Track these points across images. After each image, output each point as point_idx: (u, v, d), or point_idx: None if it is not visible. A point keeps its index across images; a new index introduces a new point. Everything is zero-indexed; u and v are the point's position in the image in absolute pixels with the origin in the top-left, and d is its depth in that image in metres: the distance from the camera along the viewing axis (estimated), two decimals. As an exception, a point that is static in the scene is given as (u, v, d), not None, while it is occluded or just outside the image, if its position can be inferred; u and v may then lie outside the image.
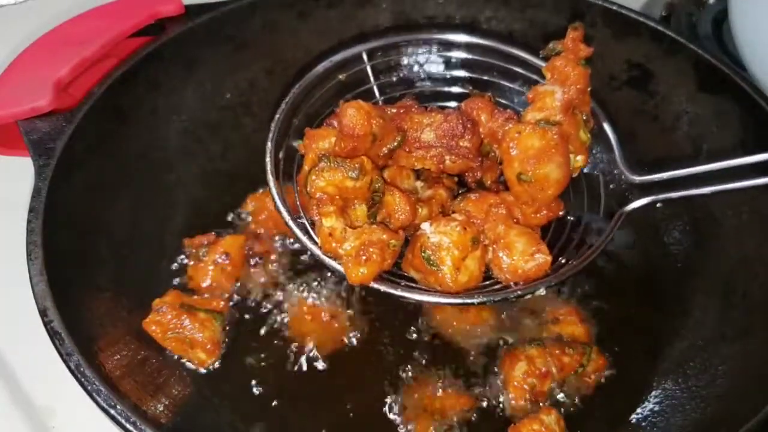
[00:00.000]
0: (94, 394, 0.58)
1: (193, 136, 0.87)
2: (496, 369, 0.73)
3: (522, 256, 0.64)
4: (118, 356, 0.67)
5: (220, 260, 0.78)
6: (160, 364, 0.71)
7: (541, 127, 0.65)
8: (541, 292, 0.65)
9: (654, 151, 0.86)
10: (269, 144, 0.71)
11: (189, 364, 0.72)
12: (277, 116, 0.73)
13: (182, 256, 0.80)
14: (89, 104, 0.75)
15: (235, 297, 0.78)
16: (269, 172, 0.69)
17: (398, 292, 0.64)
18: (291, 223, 0.66)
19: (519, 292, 0.64)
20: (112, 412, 0.58)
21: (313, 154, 0.67)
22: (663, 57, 0.83)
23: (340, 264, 0.63)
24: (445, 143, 0.69)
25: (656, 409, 0.71)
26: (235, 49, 0.87)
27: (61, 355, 0.60)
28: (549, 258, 0.65)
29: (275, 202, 0.68)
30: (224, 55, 0.87)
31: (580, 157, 0.68)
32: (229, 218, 0.84)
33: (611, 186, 0.73)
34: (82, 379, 0.59)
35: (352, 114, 0.65)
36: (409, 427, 0.69)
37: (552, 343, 0.72)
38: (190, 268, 0.79)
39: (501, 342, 0.75)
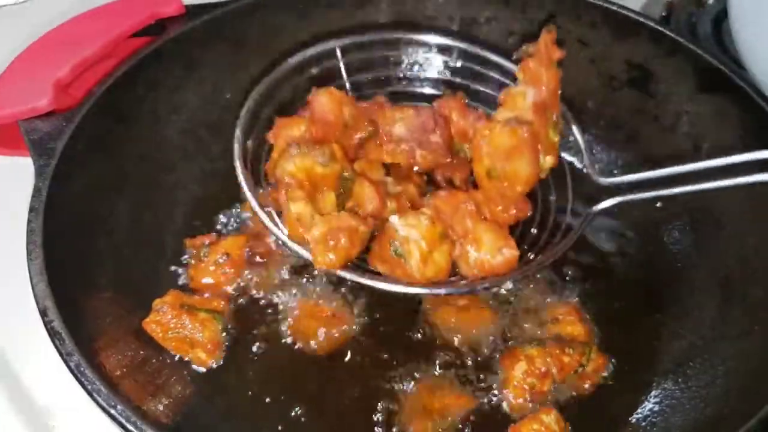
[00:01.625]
0: (94, 394, 0.58)
1: (194, 136, 0.87)
2: (495, 369, 0.73)
3: (489, 251, 0.65)
4: (119, 356, 0.67)
5: (221, 260, 0.78)
6: (161, 364, 0.71)
7: (511, 125, 0.65)
8: (508, 285, 0.66)
9: (654, 151, 0.87)
10: (238, 131, 0.70)
11: (189, 364, 0.72)
12: (246, 104, 0.72)
13: (183, 256, 0.80)
14: (89, 104, 0.75)
15: (236, 297, 0.78)
16: (237, 158, 0.68)
17: (365, 280, 0.63)
18: (258, 209, 0.65)
19: (486, 284, 0.65)
20: (113, 412, 0.58)
21: (283, 141, 0.66)
22: (663, 57, 0.83)
23: (307, 250, 0.63)
24: (416, 137, 0.69)
25: (656, 408, 0.71)
26: (235, 49, 0.87)
27: (61, 355, 0.60)
28: (516, 253, 0.65)
29: (242, 188, 0.67)
30: (224, 55, 0.87)
31: (549, 158, 0.69)
32: (230, 218, 0.84)
33: (579, 188, 0.74)
34: (83, 379, 0.59)
35: (325, 100, 0.65)
36: (408, 427, 0.69)
37: (552, 342, 0.72)
38: (190, 268, 0.79)
39: (500, 342, 0.75)
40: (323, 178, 0.63)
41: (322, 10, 0.88)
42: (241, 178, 0.67)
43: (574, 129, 0.74)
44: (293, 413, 0.70)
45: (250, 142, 0.72)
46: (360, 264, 0.67)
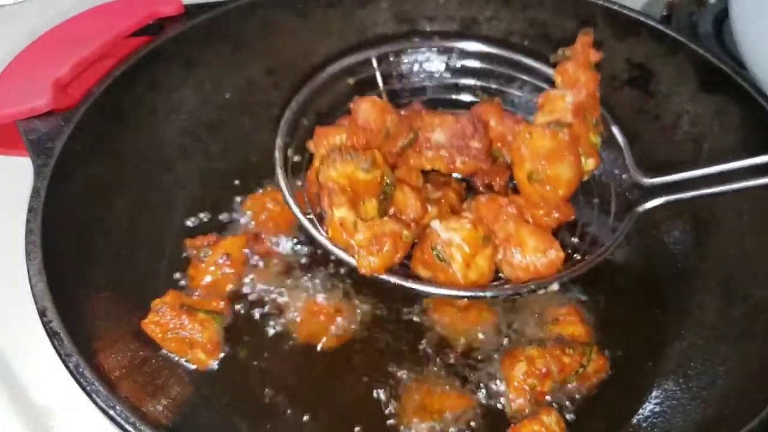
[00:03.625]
0: (93, 394, 0.58)
1: (193, 136, 0.86)
2: (496, 369, 0.72)
3: (534, 253, 0.64)
4: (118, 357, 0.67)
5: (220, 261, 0.78)
6: (160, 365, 0.71)
7: (552, 128, 0.65)
8: (554, 287, 0.65)
9: (655, 150, 0.86)
10: (279, 140, 0.71)
11: (189, 365, 0.72)
12: (286, 113, 0.73)
13: (182, 257, 0.80)
14: (88, 104, 0.75)
15: (236, 297, 0.78)
16: (278, 167, 0.69)
17: (409, 284, 0.63)
18: (300, 216, 0.66)
19: (532, 287, 0.64)
20: (111, 412, 0.57)
21: (323, 149, 0.67)
22: (664, 57, 0.83)
23: (350, 255, 0.63)
24: (455, 144, 0.70)
25: (657, 409, 0.71)
26: (234, 48, 0.87)
27: (60, 356, 0.60)
28: (562, 254, 0.65)
29: (284, 196, 0.67)
30: (223, 55, 0.87)
31: (590, 160, 0.68)
32: (229, 219, 0.84)
33: (622, 189, 0.73)
34: (81, 380, 0.59)
35: (367, 108, 0.66)
36: (409, 427, 0.69)
37: (552, 343, 0.72)
38: (190, 269, 0.79)
39: (501, 342, 0.75)
40: (365, 185, 0.64)
41: (322, 10, 0.88)
42: (282, 185, 0.68)
43: (615, 130, 0.74)
44: (293, 413, 0.70)
45: (290, 151, 0.72)
46: (403, 273, 0.67)
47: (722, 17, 1.00)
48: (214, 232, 0.82)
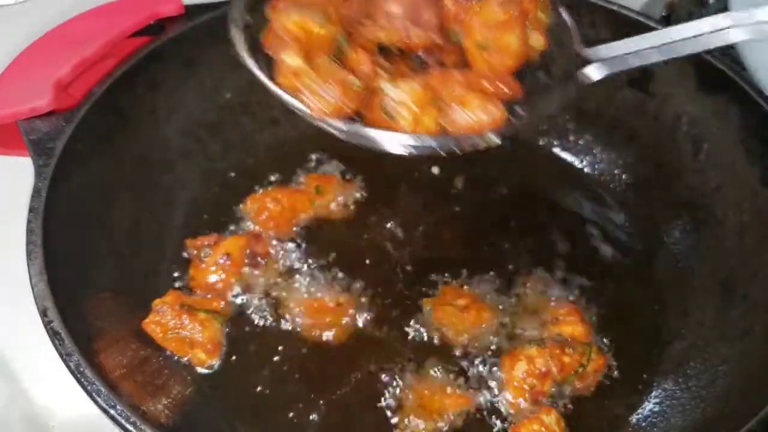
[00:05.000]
0: (93, 394, 0.58)
1: (193, 136, 0.87)
2: (495, 369, 0.72)
3: (476, 110, 0.67)
4: (119, 356, 0.67)
5: (221, 261, 0.78)
6: (160, 365, 0.71)
7: (501, 2, 0.68)
8: (495, 140, 0.66)
9: (655, 150, 0.87)
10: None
11: (189, 365, 0.72)
12: None
13: (183, 257, 0.80)
14: (89, 104, 0.75)
15: (236, 297, 0.78)
16: (233, 22, 0.68)
17: (355, 127, 0.64)
18: (252, 65, 0.66)
19: (475, 138, 0.66)
20: (112, 412, 0.58)
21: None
22: (663, 57, 0.83)
23: (299, 101, 0.64)
24: (409, 15, 0.71)
25: (656, 409, 0.71)
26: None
27: (60, 356, 0.60)
28: (503, 111, 0.66)
29: (237, 47, 0.67)
30: (224, 55, 0.85)
31: (537, 35, 0.71)
32: (230, 219, 0.84)
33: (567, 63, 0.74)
34: (82, 380, 0.59)
35: None
36: (409, 427, 0.69)
37: (552, 343, 0.72)
38: (191, 269, 0.79)
39: (501, 342, 0.75)
40: (318, 40, 0.65)
41: (322, 10, 0.88)
42: (236, 40, 0.67)
43: (562, 11, 0.75)
44: (292, 413, 0.70)
45: (248, 17, 0.71)
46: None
47: (722, 18, 1.00)
48: (215, 232, 0.82)
